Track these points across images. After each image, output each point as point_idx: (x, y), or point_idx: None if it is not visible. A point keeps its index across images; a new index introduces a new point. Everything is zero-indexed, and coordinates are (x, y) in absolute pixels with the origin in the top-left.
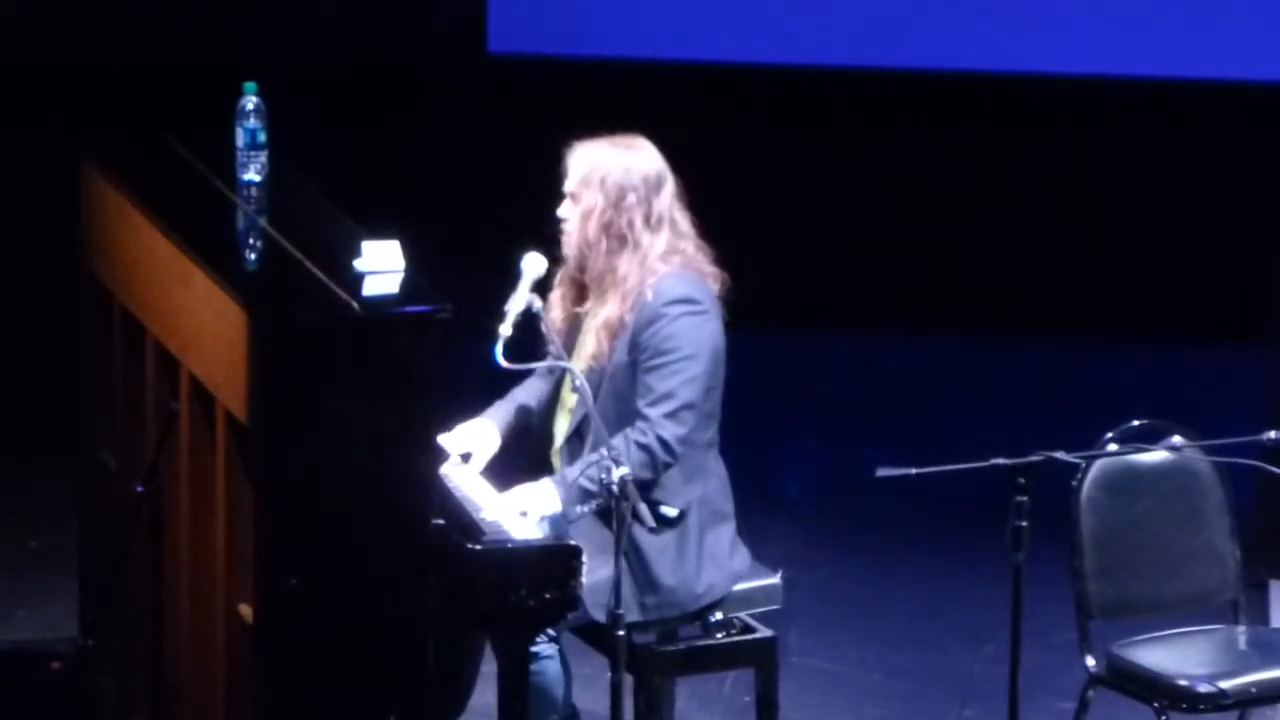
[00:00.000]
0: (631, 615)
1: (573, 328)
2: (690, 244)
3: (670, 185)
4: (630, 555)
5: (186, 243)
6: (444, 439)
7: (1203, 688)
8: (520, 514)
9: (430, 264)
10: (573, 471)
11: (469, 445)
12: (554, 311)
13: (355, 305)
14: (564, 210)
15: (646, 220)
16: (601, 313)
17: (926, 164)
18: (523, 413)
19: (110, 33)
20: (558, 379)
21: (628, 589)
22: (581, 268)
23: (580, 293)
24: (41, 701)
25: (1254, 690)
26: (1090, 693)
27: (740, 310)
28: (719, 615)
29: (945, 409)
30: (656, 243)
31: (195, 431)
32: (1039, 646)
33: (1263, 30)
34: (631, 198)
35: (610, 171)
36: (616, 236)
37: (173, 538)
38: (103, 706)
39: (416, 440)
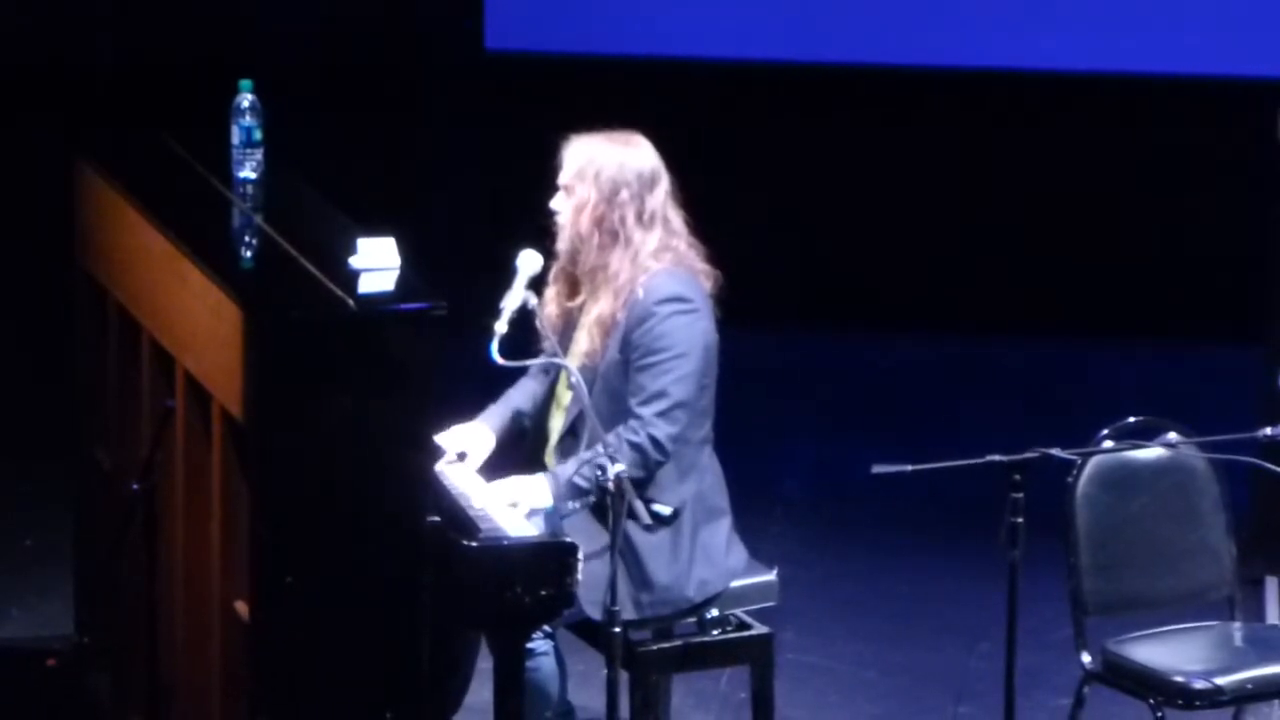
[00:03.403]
0: (626, 613)
1: (567, 324)
2: (683, 242)
3: (665, 183)
4: (625, 553)
5: (182, 240)
6: (438, 440)
7: (1198, 684)
8: (510, 504)
9: (426, 261)
10: (567, 469)
11: (464, 446)
12: (549, 308)
13: (351, 302)
14: (557, 202)
15: (639, 217)
16: (594, 309)
17: (925, 161)
18: (517, 415)
19: (106, 30)
20: (553, 377)
21: (622, 587)
22: (574, 261)
23: (573, 287)
24: (37, 699)
25: (1249, 686)
26: (1086, 689)
27: (737, 308)
28: (715, 612)
29: (941, 406)
30: (648, 240)
31: (191, 429)
32: (1034, 643)
33: (1263, 28)
34: (624, 194)
35: (605, 166)
36: (608, 232)
37: (168, 535)
38: (98, 704)
39: (412, 437)
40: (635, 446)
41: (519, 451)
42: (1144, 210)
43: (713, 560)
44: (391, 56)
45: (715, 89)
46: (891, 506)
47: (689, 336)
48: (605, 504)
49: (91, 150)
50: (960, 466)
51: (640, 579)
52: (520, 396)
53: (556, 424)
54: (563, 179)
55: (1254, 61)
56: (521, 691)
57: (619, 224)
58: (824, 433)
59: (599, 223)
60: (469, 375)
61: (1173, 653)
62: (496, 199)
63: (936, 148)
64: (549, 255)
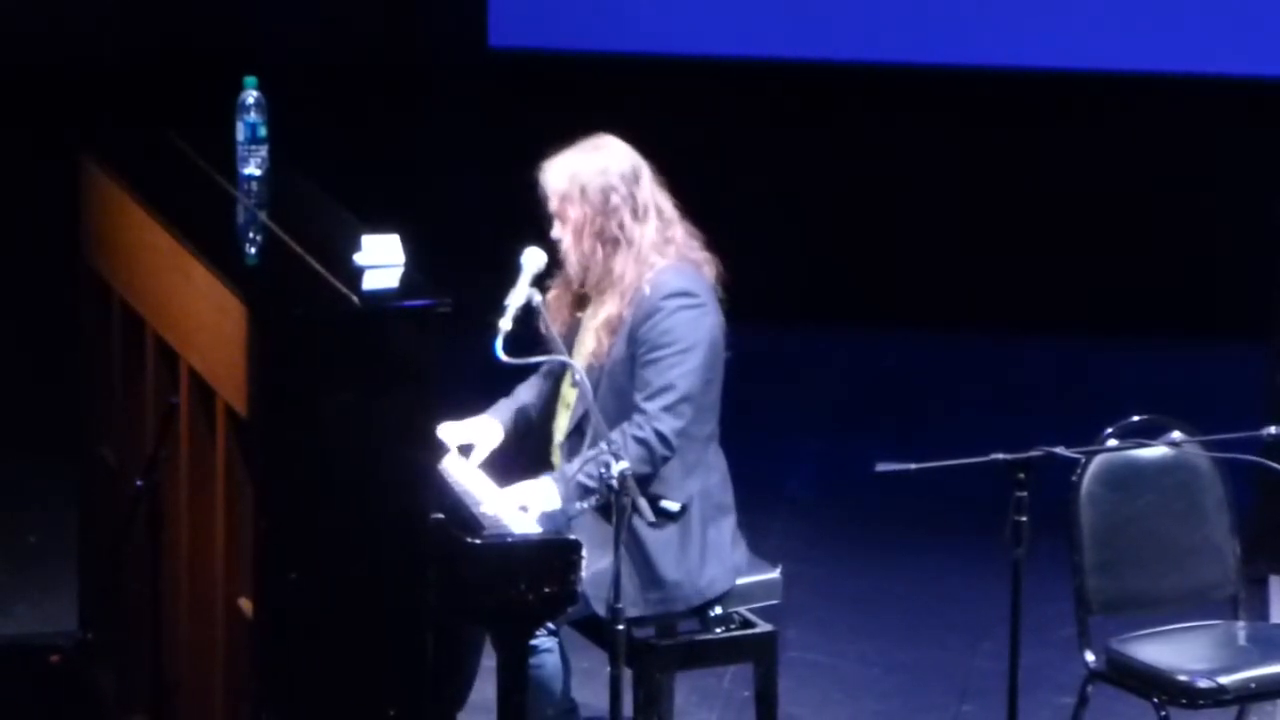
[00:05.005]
0: (635, 610)
1: (570, 329)
2: (679, 229)
3: (647, 173)
4: (633, 550)
5: (187, 237)
6: (445, 430)
7: (1202, 683)
8: (520, 509)
9: (430, 258)
10: (571, 467)
11: (471, 438)
12: (553, 317)
13: (355, 299)
14: (556, 231)
15: (634, 214)
16: (600, 313)
17: (927, 159)
18: (525, 410)
19: (111, 26)
20: (558, 375)
21: (631, 584)
22: (583, 281)
23: (579, 299)
24: (41, 695)
25: (1253, 686)
26: (1089, 688)
27: (740, 305)
28: (718, 610)
29: (945, 404)
30: (647, 233)
31: (195, 426)
32: (1038, 642)
33: (1267, 26)
34: (615, 198)
35: (588, 180)
36: (610, 240)
37: (172, 532)
38: (102, 701)
39: (416, 434)
40: (641, 441)
41: (525, 450)
42: (1149, 208)
43: (720, 557)
44: (395, 53)
45: (717, 86)
46: (895, 505)
47: (695, 331)
48: (610, 502)
49: (96, 147)
50: (964, 465)
51: (649, 577)
52: (529, 393)
53: (562, 423)
54: (552, 206)
55: (1260, 60)
56: (525, 689)
57: (618, 229)
58: (828, 431)
59: (599, 235)
60: (473, 372)
61: (1177, 652)
62: (500, 196)
63: (940, 145)
64: (553, 255)
